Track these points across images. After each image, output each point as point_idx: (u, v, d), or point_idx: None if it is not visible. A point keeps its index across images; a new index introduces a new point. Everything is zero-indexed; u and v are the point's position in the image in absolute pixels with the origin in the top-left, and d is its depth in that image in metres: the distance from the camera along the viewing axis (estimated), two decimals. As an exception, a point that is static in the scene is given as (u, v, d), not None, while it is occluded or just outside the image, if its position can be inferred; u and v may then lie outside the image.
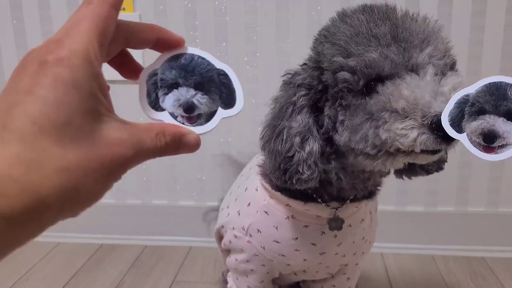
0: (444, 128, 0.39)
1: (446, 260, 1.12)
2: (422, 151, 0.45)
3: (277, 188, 0.61)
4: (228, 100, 0.35)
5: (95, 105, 0.27)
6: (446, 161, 0.60)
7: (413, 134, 0.43)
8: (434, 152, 0.45)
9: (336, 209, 0.61)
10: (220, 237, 0.75)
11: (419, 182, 1.15)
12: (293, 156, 0.53)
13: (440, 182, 1.14)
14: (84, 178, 0.25)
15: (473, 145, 0.37)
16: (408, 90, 0.44)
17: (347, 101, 0.49)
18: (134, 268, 1.11)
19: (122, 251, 1.19)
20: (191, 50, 0.36)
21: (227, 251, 0.73)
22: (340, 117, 0.51)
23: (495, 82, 0.37)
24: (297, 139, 0.53)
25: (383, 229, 1.17)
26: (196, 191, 1.22)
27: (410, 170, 0.61)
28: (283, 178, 0.54)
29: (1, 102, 0.26)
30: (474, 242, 1.15)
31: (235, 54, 1.11)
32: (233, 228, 0.67)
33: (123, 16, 1.14)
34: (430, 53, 0.47)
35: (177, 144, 0.32)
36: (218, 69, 0.35)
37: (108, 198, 1.24)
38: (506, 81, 0.36)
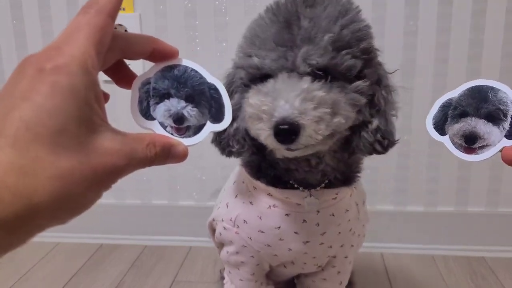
0: (428, 131, 0.40)
1: (446, 260, 1.12)
2: (276, 148, 0.50)
3: (257, 176, 0.64)
4: (217, 115, 0.36)
5: (90, 114, 0.27)
6: (385, 143, 0.57)
7: (264, 135, 0.49)
8: (293, 149, 0.49)
9: (310, 190, 0.62)
10: (213, 231, 0.76)
11: (419, 182, 1.15)
12: (224, 130, 0.56)
13: (440, 182, 1.14)
14: (76, 186, 0.26)
15: (455, 146, 0.38)
16: (255, 98, 0.50)
17: (243, 94, 0.55)
18: (134, 268, 1.11)
19: (122, 251, 1.19)
20: (185, 62, 0.36)
21: (221, 245, 0.74)
22: (243, 105, 0.55)
23: (477, 85, 0.38)
24: None
25: (383, 229, 1.18)
26: (196, 191, 1.22)
27: (358, 147, 0.59)
28: (219, 148, 0.60)
29: None
30: (474, 242, 1.15)
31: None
32: (222, 220, 0.70)
33: (123, 16, 1.14)
34: (306, 53, 0.49)
35: (166, 155, 0.32)
36: (210, 83, 0.36)
37: (108, 198, 1.24)
38: (488, 84, 0.37)
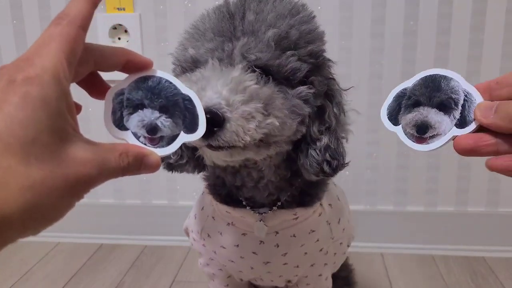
0: (382, 120, 0.40)
1: (446, 260, 1.12)
2: (207, 146, 0.44)
3: (212, 191, 0.61)
4: (191, 125, 0.36)
5: (62, 124, 0.27)
6: (334, 164, 0.52)
7: None
8: (212, 147, 0.43)
9: (263, 214, 0.58)
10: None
11: (419, 182, 1.15)
12: None
13: (440, 182, 1.14)
14: (48, 197, 0.26)
15: (407, 136, 0.38)
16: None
17: None
18: (134, 268, 1.11)
19: (122, 251, 1.19)
20: (159, 73, 0.36)
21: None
22: None
23: (430, 75, 0.38)
24: None
25: (383, 229, 1.18)
26: (196, 191, 1.22)
27: (304, 166, 0.54)
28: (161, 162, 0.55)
29: None
30: (474, 242, 1.15)
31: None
32: (192, 231, 0.68)
33: (123, 16, 1.13)
34: (246, 45, 0.45)
35: (139, 164, 0.32)
36: (184, 94, 0.36)
37: (108, 198, 1.24)
38: (441, 73, 0.37)
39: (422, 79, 0.38)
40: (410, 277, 1.05)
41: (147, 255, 1.18)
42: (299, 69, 0.47)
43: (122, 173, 0.31)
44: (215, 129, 0.40)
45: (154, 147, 0.35)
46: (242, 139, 0.42)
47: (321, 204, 0.62)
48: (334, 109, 0.52)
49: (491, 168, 0.33)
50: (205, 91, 0.41)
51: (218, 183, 0.61)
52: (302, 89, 0.47)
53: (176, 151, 0.51)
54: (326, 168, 0.51)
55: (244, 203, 0.59)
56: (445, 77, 0.37)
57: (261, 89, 0.44)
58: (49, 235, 1.23)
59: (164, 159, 0.54)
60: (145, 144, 0.35)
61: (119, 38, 1.13)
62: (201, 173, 0.63)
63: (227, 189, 0.60)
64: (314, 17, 0.51)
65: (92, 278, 1.06)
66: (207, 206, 0.65)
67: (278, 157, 0.53)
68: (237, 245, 0.61)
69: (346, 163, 0.53)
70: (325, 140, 0.51)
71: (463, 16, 1.05)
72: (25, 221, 0.25)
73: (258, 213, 0.59)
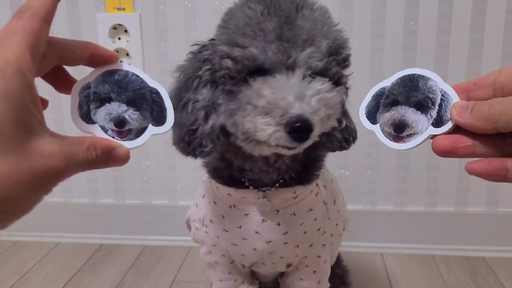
0: (360, 119, 0.40)
1: (446, 260, 1.12)
2: (278, 145, 0.48)
3: (214, 176, 0.64)
4: (159, 118, 0.36)
5: (27, 116, 0.27)
6: (350, 140, 0.60)
7: (269, 130, 0.47)
8: (291, 148, 0.49)
9: (265, 191, 0.62)
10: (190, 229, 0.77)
11: (419, 182, 1.15)
12: (197, 129, 0.55)
13: (440, 182, 1.14)
14: (14, 190, 0.25)
15: (385, 135, 0.38)
16: (270, 90, 0.47)
17: (228, 87, 0.52)
18: (134, 268, 1.11)
19: (122, 251, 1.19)
20: (125, 67, 0.36)
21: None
22: (220, 101, 0.53)
23: (409, 74, 0.38)
24: (202, 113, 0.55)
25: (383, 229, 1.18)
26: (196, 191, 1.22)
27: (326, 145, 0.61)
28: (187, 150, 0.56)
29: None
30: (474, 242, 1.15)
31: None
32: (194, 220, 0.70)
33: (123, 16, 1.14)
34: (309, 55, 0.49)
35: (107, 157, 0.32)
36: (151, 87, 0.37)
37: (108, 198, 1.24)
38: (419, 73, 0.38)
39: (400, 78, 0.38)
40: (410, 277, 1.05)
41: (147, 255, 1.18)
42: (338, 72, 0.52)
43: (90, 166, 0.31)
44: (306, 135, 0.46)
45: (123, 140, 0.35)
46: (313, 139, 0.48)
47: (317, 185, 0.66)
48: (346, 95, 0.59)
49: (470, 171, 0.33)
50: (293, 99, 0.46)
51: (221, 166, 0.62)
52: (342, 88, 0.53)
53: (213, 139, 0.54)
54: (344, 144, 0.59)
55: (246, 183, 0.62)
56: (423, 76, 0.37)
57: (333, 98, 0.49)
58: (49, 235, 1.23)
59: (197, 147, 0.55)
60: (113, 138, 0.35)
61: (119, 38, 1.13)
62: (201, 160, 0.64)
63: (228, 172, 0.62)
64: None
65: (92, 278, 1.06)
66: (208, 192, 0.67)
67: None
68: (240, 226, 0.64)
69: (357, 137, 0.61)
70: (344, 122, 0.58)
71: (463, 16, 1.05)
72: None
73: (260, 191, 0.62)
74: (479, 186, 1.14)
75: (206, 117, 0.55)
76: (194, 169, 1.20)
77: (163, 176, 1.22)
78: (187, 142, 0.55)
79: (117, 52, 1.14)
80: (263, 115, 0.47)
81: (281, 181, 0.62)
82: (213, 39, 0.57)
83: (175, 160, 1.20)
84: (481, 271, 1.07)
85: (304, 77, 0.49)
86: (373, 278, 1.05)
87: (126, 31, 1.12)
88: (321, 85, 0.48)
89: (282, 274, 0.78)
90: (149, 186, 1.23)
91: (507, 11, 1.03)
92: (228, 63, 0.50)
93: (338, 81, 0.53)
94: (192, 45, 0.59)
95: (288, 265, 0.71)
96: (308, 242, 0.67)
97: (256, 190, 0.62)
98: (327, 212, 0.67)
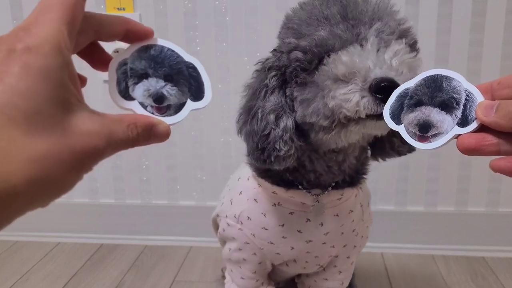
0: (385, 120, 0.40)
1: (446, 260, 1.12)
2: (368, 116, 0.45)
3: (262, 175, 0.64)
4: (197, 93, 0.36)
5: (65, 94, 0.27)
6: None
7: (356, 97, 0.44)
8: (379, 117, 0.44)
9: (318, 195, 0.62)
10: (217, 227, 0.76)
11: (419, 182, 1.15)
12: (269, 133, 0.54)
13: (440, 182, 1.14)
14: (54, 168, 0.25)
15: (410, 135, 0.39)
16: (348, 57, 0.46)
17: (302, 79, 0.51)
18: (134, 268, 1.11)
19: (122, 251, 1.19)
20: (160, 41, 0.36)
21: (224, 242, 0.74)
22: (295, 94, 0.53)
23: (432, 75, 0.38)
24: (272, 117, 0.54)
25: (383, 229, 1.18)
26: (196, 191, 1.22)
27: (381, 151, 0.61)
28: (262, 158, 0.55)
29: None
30: (474, 242, 1.15)
31: (235, 54, 1.11)
32: (226, 217, 0.70)
33: (123, 16, 1.11)
34: (379, 29, 0.48)
35: (148, 135, 0.32)
36: (187, 61, 0.36)
37: (108, 198, 1.24)
38: (442, 73, 0.38)
39: (424, 79, 0.39)
40: (410, 277, 1.05)
41: (147, 255, 1.18)
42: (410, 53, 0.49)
43: (131, 144, 0.30)
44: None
45: (162, 116, 0.35)
46: None
47: None
48: None
49: (495, 169, 0.33)
50: (374, 63, 0.44)
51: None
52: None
53: (286, 142, 0.54)
54: (412, 146, 0.57)
55: (296, 184, 0.62)
56: (446, 77, 0.38)
57: (414, 61, 0.47)
58: (49, 235, 1.23)
59: (271, 152, 0.54)
60: (152, 114, 0.35)
61: (119, 38, 1.13)
62: (246, 159, 0.62)
63: (281, 173, 0.61)
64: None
65: (92, 278, 1.06)
66: (247, 190, 0.67)
67: (364, 140, 0.57)
68: (282, 225, 0.64)
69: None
70: None
71: (463, 16, 1.05)
72: (32, 194, 0.25)
73: (311, 193, 0.62)
74: (479, 186, 1.14)
75: (277, 120, 0.54)
76: (194, 169, 1.20)
77: (163, 176, 1.22)
78: (261, 149, 0.55)
79: (117, 52, 1.14)
80: (345, 85, 0.45)
81: (333, 184, 0.62)
82: (274, 50, 0.57)
83: (175, 160, 1.20)
84: (481, 271, 1.07)
85: (378, 49, 0.47)
86: (373, 278, 1.05)
87: (126, 31, 1.12)
88: (399, 45, 0.47)
89: (299, 274, 0.78)
90: (149, 186, 1.23)
91: (507, 11, 1.03)
92: (297, 54, 0.50)
93: None
94: (255, 64, 0.60)
95: (320, 266, 0.71)
96: (343, 243, 0.68)
97: (305, 191, 0.62)
98: (362, 213, 0.69)
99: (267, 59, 0.58)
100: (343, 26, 0.48)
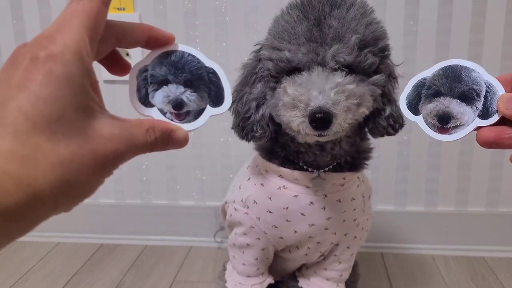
0: (402, 110, 0.40)
1: (446, 260, 1.12)
2: (307, 134, 0.54)
3: (269, 157, 0.69)
4: (217, 98, 0.36)
5: (87, 100, 0.27)
6: (397, 127, 0.64)
7: (297, 121, 0.53)
8: (319, 135, 0.54)
9: (320, 172, 0.67)
10: (225, 215, 0.79)
11: (419, 182, 1.15)
12: (249, 117, 0.64)
13: (440, 182, 1.14)
14: (77, 173, 0.26)
15: (429, 126, 0.38)
16: (293, 88, 0.54)
17: (272, 85, 0.60)
18: (134, 268, 1.11)
19: (122, 251, 1.19)
20: (181, 47, 0.36)
21: (231, 229, 0.77)
22: (267, 96, 0.61)
23: (450, 65, 0.38)
24: (254, 104, 0.63)
25: (383, 229, 1.18)
26: (196, 191, 1.22)
27: (373, 131, 0.65)
28: (241, 134, 0.65)
29: None
30: (474, 242, 1.15)
31: (235, 54, 1.11)
32: (234, 202, 0.73)
33: (123, 16, 1.14)
34: (336, 51, 0.54)
35: (166, 140, 0.32)
36: (208, 67, 0.36)
37: (108, 198, 1.24)
38: (461, 64, 0.38)
39: (442, 69, 0.38)
40: (410, 277, 1.05)
41: (147, 255, 1.18)
42: (374, 63, 0.56)
43: (150, 148, 0.31)
44: (327, 125, 0.51)
45: (181, 123, 0.35)
46: (343, 127, 0.53)
47: (358, 177, 0.71)
48: (392, 84, 0.63)
49: None
50: (314, 93, 0.51)
51: (277, 147, 0.68)
52: (377, 77, 0.57)
53: (263, 126, 0.63)
54: (390, 130, 0.63)
55: (301, 164, 0.67)
56: (466, 67, 0.37)
57: (357, 88, 0.54)
58: (49, 235, 1.23)
59: (249, 132, 0.64)
60: (171, 120, 0.35)
61: (119, 38, 1.13)
62: (253, 143, 0.70)
63: (284, 153, 0.67)
64: (373, 11, 0.59)
65: (92, 278, 1.06)
66: (255, 175, 0.72)
67: (352, 128, 0.61)
68: (286, 208, 0.67)
69: (405, 123, 0.64)
70: (388, 109, 0.62)
71: (463, 16, 1.05)
72: (56, 198, 0.25)
73: (315, 172, 0.67)
74: (479, 186, 1.14)
75: (257, 107, 0.63)
76: (194, 169, 1.20)
77: (163, 176, 1.22)
78: (242, 127, 0.64)
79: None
80: (292, 109, 0.54)
81: (335, 164, 0.66)
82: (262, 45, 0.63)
83: (175, 160, 1.20)
84: (481, 271, 1.07)
85: (335, 70, 0.54)
86: (373, 278, 1.05)
87: (126, 31, 1.12)
88: (340, 78, 0.53)
89: (300, 268, 0.80)
90: (149, 186, 1.23)
91: (507, 11, 1.03)
92: (269, 64, 0.58)
93: (376, 71, 0.57)
94: (254, 45, 0.65)
95: (321, 255, 0.74)
96: (344, 231, 0.71)
97: (310, 170, 0.66)
98: (364, 205, 0.72)
99: (262, 47, 0.62)
100: (305, 48, 0.54)
